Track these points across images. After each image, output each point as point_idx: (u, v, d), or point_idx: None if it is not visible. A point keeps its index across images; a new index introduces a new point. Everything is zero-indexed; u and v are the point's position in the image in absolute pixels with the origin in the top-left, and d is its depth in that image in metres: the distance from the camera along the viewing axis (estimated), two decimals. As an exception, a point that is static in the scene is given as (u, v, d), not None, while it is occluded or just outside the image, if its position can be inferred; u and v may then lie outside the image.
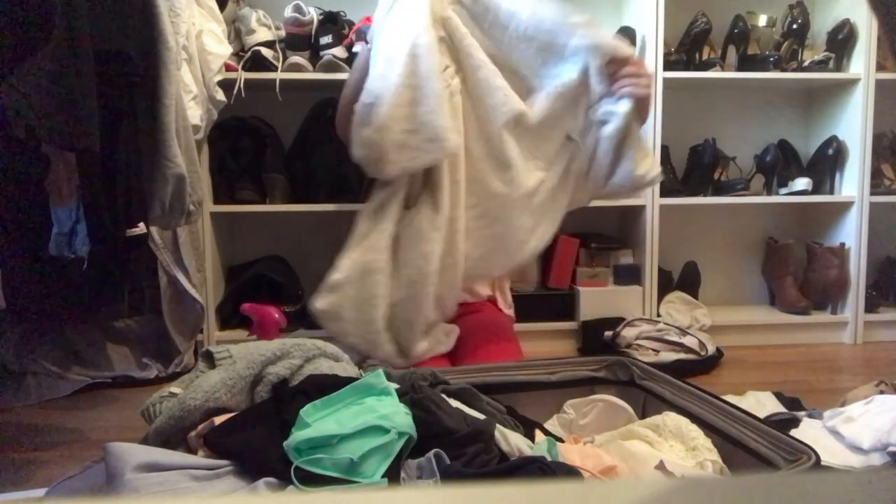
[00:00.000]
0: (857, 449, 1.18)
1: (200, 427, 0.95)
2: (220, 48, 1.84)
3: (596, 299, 2.15)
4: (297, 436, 0.86)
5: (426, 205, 1.40)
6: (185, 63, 1.69)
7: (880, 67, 2.20)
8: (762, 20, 2.29)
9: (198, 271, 1.94)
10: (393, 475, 0.86)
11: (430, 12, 1.36)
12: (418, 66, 1.31)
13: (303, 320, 2.10)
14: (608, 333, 1.98)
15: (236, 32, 2.07)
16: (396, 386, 1.02)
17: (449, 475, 0.89)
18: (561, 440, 1.10)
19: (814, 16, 2.31)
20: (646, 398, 1.28)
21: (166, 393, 1.11)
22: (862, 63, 2.18)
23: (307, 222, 2.25)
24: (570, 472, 0.92)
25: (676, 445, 1.04)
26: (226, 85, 1.93)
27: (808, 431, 1.26)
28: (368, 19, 2.06)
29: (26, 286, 1.49)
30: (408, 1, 1.38)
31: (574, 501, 0.33)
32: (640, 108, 1.42)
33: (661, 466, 0.93)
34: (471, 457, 0.91)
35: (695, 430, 1.07)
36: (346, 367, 1.12)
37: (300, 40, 2.03)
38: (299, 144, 2.15)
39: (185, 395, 0.98)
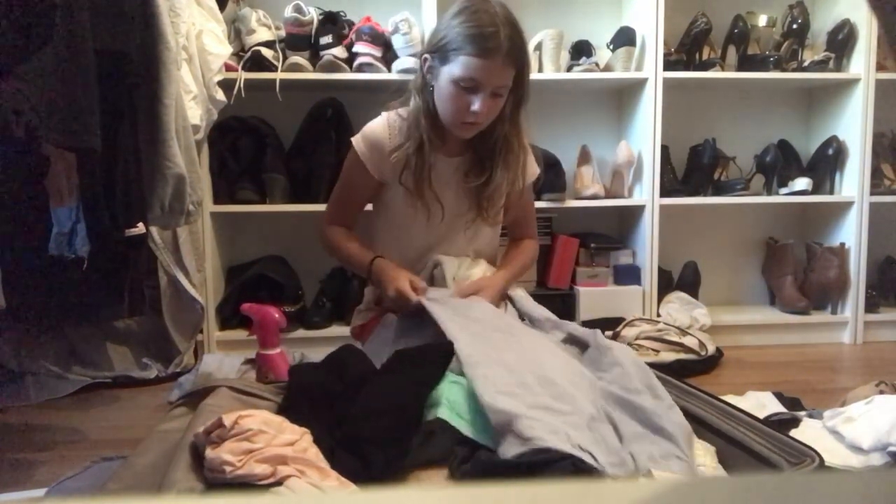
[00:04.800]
0: (857, 449, 1.18)
1: (209, 424, 0.95)
2: (220, 48, 1.84)
3: (596, 299, 2.15)
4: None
5: None
6: (185, 63, 1.69)
7: (880, 67, 2.20)
8: (762, 20, 2.29)
9: (198, 271, 1.94)
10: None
11: None
12: None
13: (303, 320, 2.10)
14: (608, 333, 1.98)
15: (236, 32, 2.07)
16: None
17: (478, 465, 0.93)
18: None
19: (814, 16, 2.31)
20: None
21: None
22: (862, 63, 2.18)
23: (307, 222, 2.24)
24: (601, 474, 0.93)
25: None
26: (226, 85, 1.93)
27: (808, 431, 1.26)
28: (368, 19, 2.06)
29: (26, 286, 1.49)
30: None
31: (574, 501, 0.33)
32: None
33: (649, 475, 0.93)
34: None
35: (700, 447, 1.07)
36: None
37: (300, 40, 2.03)
38: (299, 144, 2.15)
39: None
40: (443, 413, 1.06)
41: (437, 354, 1.15)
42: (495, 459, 0.95)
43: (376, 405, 1.05)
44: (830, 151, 2.27)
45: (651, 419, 1.05)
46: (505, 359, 1.16)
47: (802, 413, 1.39)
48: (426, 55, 1.40)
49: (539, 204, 2.12)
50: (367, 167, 1.47)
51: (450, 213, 1.50)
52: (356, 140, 1.48)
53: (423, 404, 1.08)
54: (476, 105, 1.34)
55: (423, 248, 1.54)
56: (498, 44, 1.30)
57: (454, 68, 1.33)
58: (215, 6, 1.88)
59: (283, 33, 2.05)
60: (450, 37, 1.33)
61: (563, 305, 2.16)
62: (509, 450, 0.95)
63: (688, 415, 1.14)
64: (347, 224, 1.58)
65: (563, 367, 1.19)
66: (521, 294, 1.56)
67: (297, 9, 2.02)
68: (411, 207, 1.48)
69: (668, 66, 2.15)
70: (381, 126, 1.47)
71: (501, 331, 1.26)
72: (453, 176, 1.50)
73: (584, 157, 2.28)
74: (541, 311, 1.47)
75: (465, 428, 1.05)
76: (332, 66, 2.01)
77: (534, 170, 1.58)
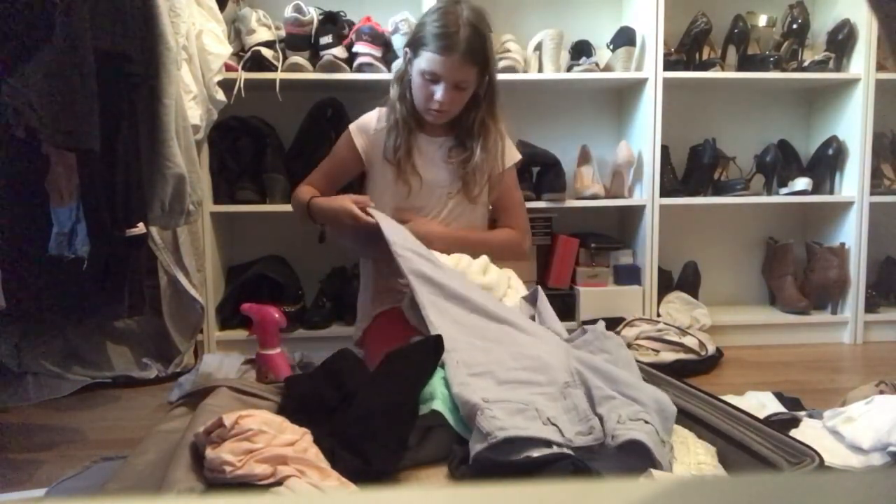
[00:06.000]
0: (857, 449, 1.18)
1: (209, 424, 0.95)
2: (220, 48, 1.84)
3: (596, 299, 2.15)
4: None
5: None
6: (185, 63, 1.69)
7: (880, 67, 2.20)
8: (762, 20, 2.29)
9: (198, 271, 1.94)
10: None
11: None
12: None
13: (303, 320, 2.10)
14: (608, 334, 1.98)
15: (236, 32, 2.07)
16: None
17: (477, 465, 0.95)
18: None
19: (814, 16, 2.31)
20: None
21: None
22: (862, 63, 2.18)
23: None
24: (600, 474, 0.94)
25: (679, 455, 1.04)
26: (226, 85, 1.93)
27: (808, 431, 1.26)
28: (368, 19, 2.06)
29: (26, 286, 1.49)
30: None
31: (574, 501, 0.33)
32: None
33: (648, 475, 0.93)
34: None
35: (701, 447, 1.07)
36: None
37: (300, 40, 2.03)
38: (299, 144, 2.15)
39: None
40: (437, 405, 1.07)
41: (426, 351, 1.17)
42: (495, 460, 0.96)
43: (372, 406, 1.06)
44: (830, 151, 2.27)
45: (624, 389, 1.08)
46: (481, 341, 1.22)
47: (802, 413, 1.39)
48: (406, 48, 1.61)
49: (539, 204, 2.12)
50: (355, 142, 1.68)
51: (432, 184, 1.65)
52: (351, 125, 1.72)
53: (417, 400, 1.09)
54: (437, 95, 1.54)
55: (406, 222, 1.63)
56: (456, 43, 1.49)
57: (421, 62, 1.54)
58: (215, 6, 1.88)
59: (283, 33, 2.05)
60: (421, 33, 1.54)
61: (563, 305, 2.16)
62: (475, 446, 0.99)
63: (688, 415, 1.14)
64: (316, 188, 1.72)
65: (539, 338, 1.24)
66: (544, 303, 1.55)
67: (297, 9, 2.02)
68: (393, 183, 1.64)
69: (668, 66, 2.15)
70: (372, 114, 1.71)
71: (480, 311, 1.32)
72: (438, 152, 1.67)
73: (584, 157, 2.28)
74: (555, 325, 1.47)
75: (454, 421, 1.07)
76: (332, 66, 2.01)
77: (513, 154, 1.75)
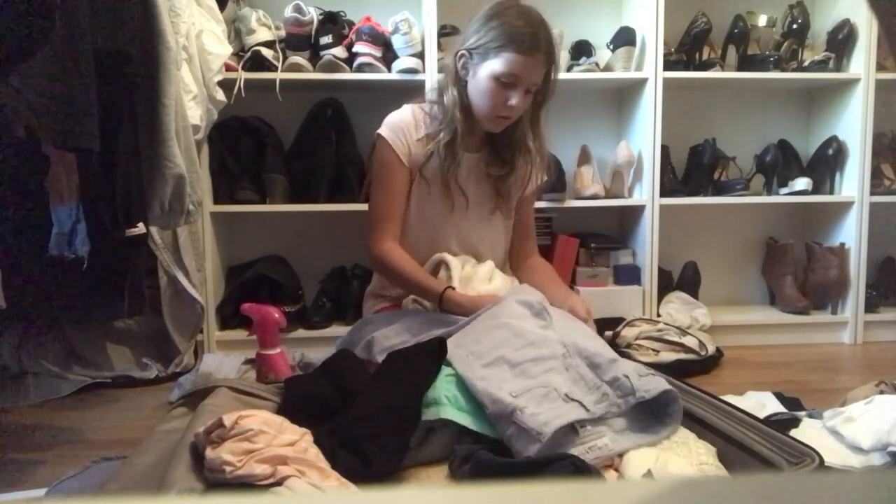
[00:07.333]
0: (857, 449, 1.18)
1: (209, 424, 0.95)
2: (220, 48, 1.84)
3: (596, 299, 2.14)
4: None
5: None
6: (185, 63, 1.69)
7: (880, 67, 2.20)
8: (762, 20, 2.29)
9: (198, 271, 1.94)
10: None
11: None
12: None
13: (303, 320, 2.10)
14: (608, 333, 1.98)
15: (236, 32, 2.06)
16: None
17: (478, 465, 0.97)
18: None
19: (814, 16, 2.31)
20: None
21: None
22: (862, 63, 2.18)
23: (307, 222, 2.25)
24: (600, 473, 0.94)
25: (680, 455, 1.04)
26: (226, 85, 1.93)
27: (808, 431, 1.26)
28: (368, 19, 2.06)
29: (26, 286, 1.49)
30: None
31: (574, 501, 0.33)
32: None
33: (648, 475, 0.94)
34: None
35: (702, 447, 1.07)
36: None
37: (300, 40, 2.03)
38: (299, 144, 2.15)
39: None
40: (446, 413, 1.07)
41: (429, 352, 1.17)
42: (495, 460, 0.96)
43: (373, 408, 1.06)
44: (830, 151, 2.27)
45: (605, 352, 1.17)
46: (481, 327, 1.25)
47: (802, 413, 1.39)
48: (463, 52, 1.48)
49: (539, 204, 2.11)
50: (398, 153, 1.52)
51: (472, 203, 1.59)
52: (383, 130, 1.54)
53: (420, 403, 1.09)
54: (513, 100, 1.43)
55: (440, 238, 1.59)
56: (538, 42, 1.41)
57: (496, 64, 1.42)
58: (215, 6, 1.88)
59: (283, 33, 2.05)
60: (491, 35, 1.42)
61: (563, 305, 2.16)
62: (528, 447, 0.99)
63: (688, 415, 1.14)
64: (398, 232, 1.56)
65: (530, 313, 1.27)
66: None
67: (297, 9, 2.02)
68: (433, 198, 1.56)
69: (668, 66, 2.15)
70: (406, 114, 1.56)
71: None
72: (475, 169, 1.59)
73: (584, 157, 2.28)
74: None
75: (469, 422, 1.07)
76: (332, 66, 2.01)
77: (544, 174, 1.71)
